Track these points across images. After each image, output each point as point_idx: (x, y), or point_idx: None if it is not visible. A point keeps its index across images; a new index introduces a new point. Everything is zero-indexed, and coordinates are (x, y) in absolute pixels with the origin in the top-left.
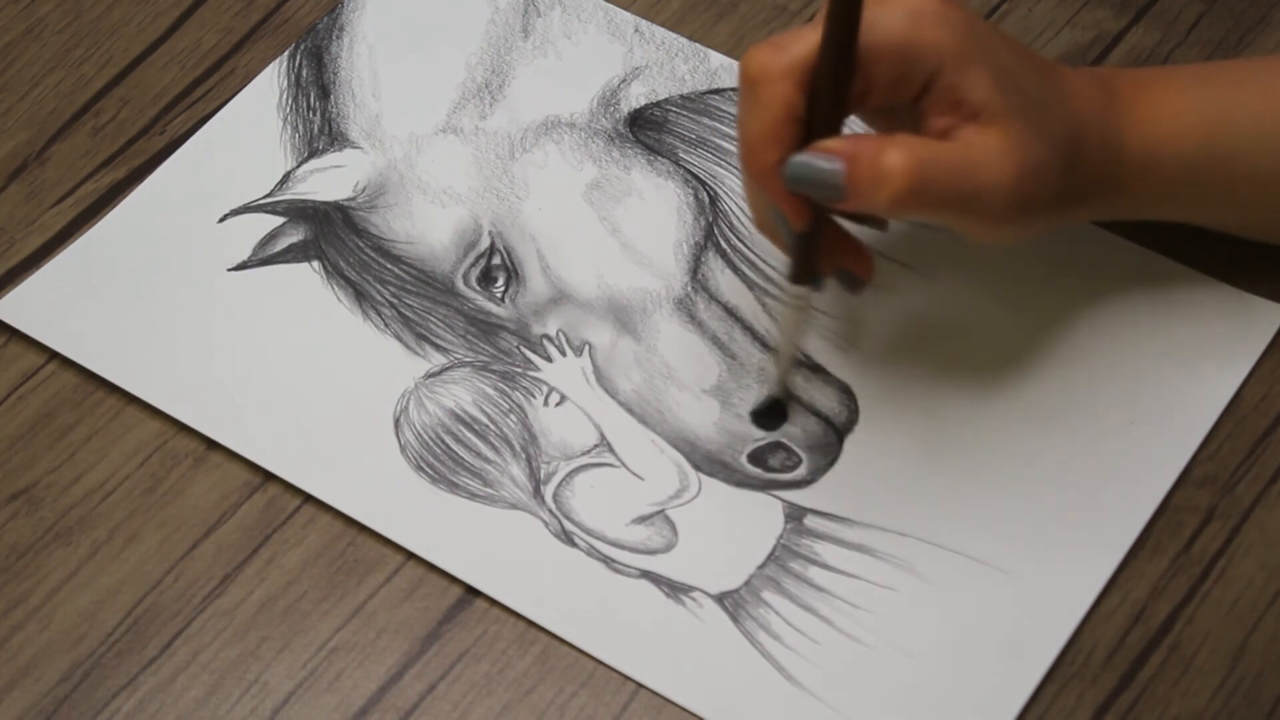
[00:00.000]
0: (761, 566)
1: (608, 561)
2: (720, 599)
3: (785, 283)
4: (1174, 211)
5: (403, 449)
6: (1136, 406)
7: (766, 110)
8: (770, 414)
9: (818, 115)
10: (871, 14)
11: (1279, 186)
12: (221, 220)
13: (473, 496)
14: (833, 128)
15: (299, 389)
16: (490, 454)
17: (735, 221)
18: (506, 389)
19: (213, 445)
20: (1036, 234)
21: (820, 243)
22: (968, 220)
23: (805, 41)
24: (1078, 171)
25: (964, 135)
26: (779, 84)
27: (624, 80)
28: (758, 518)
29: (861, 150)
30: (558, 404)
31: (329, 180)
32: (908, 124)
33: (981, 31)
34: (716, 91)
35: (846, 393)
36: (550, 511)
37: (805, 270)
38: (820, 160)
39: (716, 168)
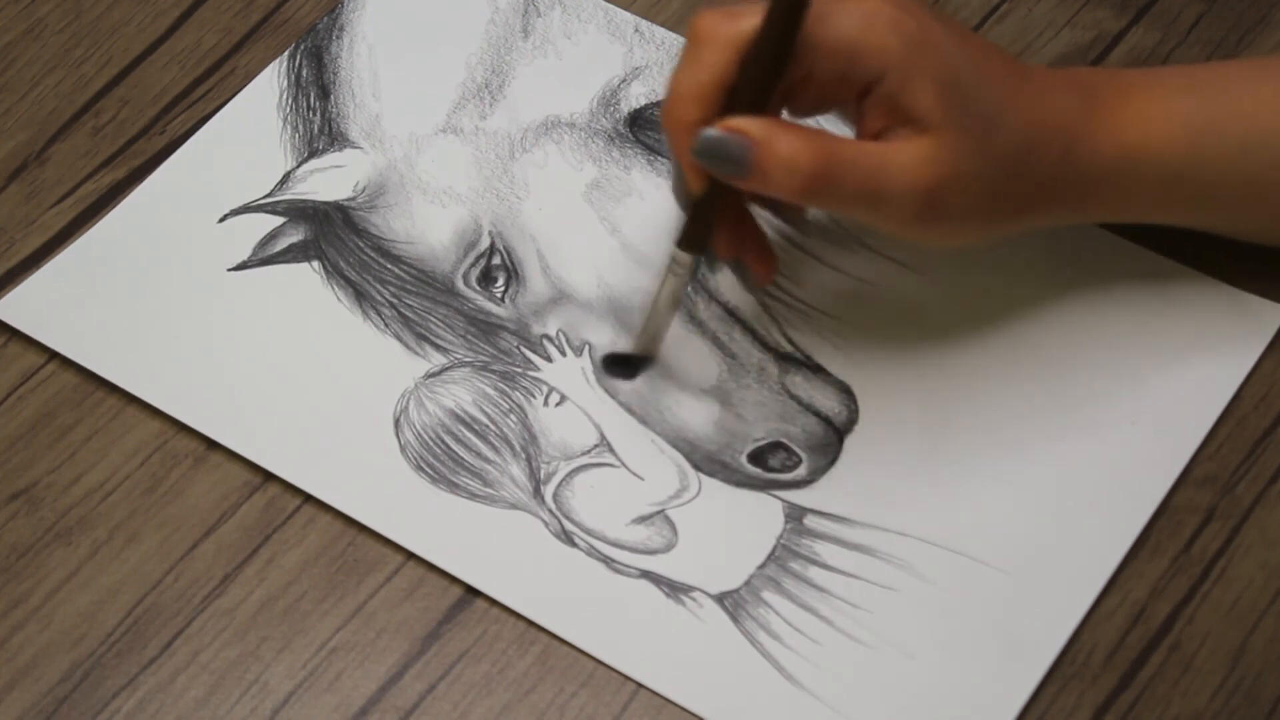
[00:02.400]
0: (761, 566)
1: (608, 561)
2: (720, 599)
3: (672, 247)
4: (1158, 215)
5: (403, 449)
6: (1136, 406)
7: (700, 71)
8: (623, 364)
9: (744, 92)
10: (825, 8)
11: (1267, 191)
12: (221, 220)
13: (473, 496)
14: (756, 107)
15: (299, 389)
16: (490, 454)
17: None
18: (506, 389)
19: (213, 445)
20: (981, 239)
21: (714, 217)
22: (875, 219)
23: (757, 15)
24: (1031, 179)
25: (893, 138)
26: (719, 50)
27: (624, 80)
28: (758, 518)
29: (773, 136)
30: (558, 404)
31: (329, 180)
32: (846, 119)
33: (935, 41)
34: None
35: (846, 393)
36: (550, 511)
37: (692, 239)
38: (731, 138)
39: None
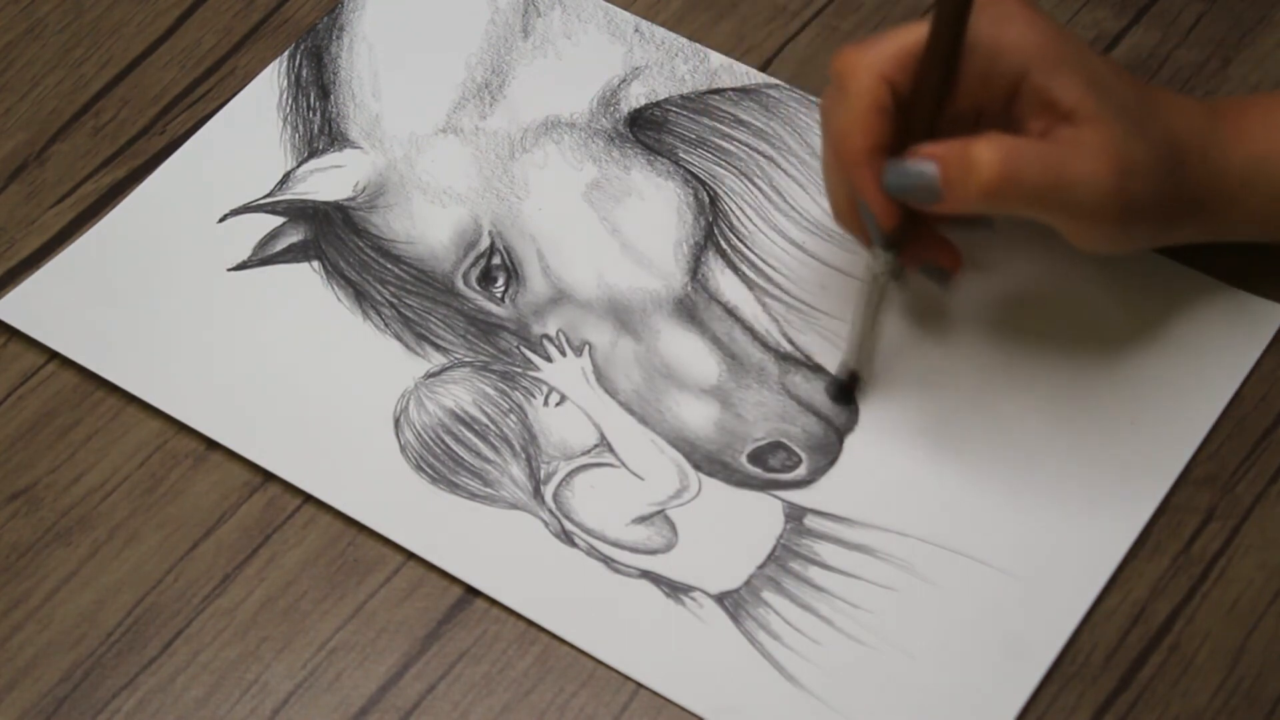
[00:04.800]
0: (761, 566)
1: (608, 561)
2: (720, 599)
3: (870, 255)
4: None
5: (403, 449)
6: (1136, 406)
7: (854, 101)
8: (845, 389)
9: (915, 116)
10: None
11: None
12: (221, 220)
13: (473, 496)
14: (927, 130)
15: (299, 389)
16: (490, 454)
17: (735, 221)
18: (506, 389)
19: (213, 445)
20: (1140, 244)
21: (910, 231)
22: (1064, 215)
23: (895, 39)
24: (1180, 183)
25: (1059, 134)
26: (865, 76)
27: (624, 80)
28: (758, 518)
29: (951, 148)
30: (558, 404)
31: (329, 180)
32: (999, 129)
33: (1070, 37)
34: (716, 91)
35: None
36: (550, 511)
37: (891, 239)
38: (914, 164)
39: (716, 168)
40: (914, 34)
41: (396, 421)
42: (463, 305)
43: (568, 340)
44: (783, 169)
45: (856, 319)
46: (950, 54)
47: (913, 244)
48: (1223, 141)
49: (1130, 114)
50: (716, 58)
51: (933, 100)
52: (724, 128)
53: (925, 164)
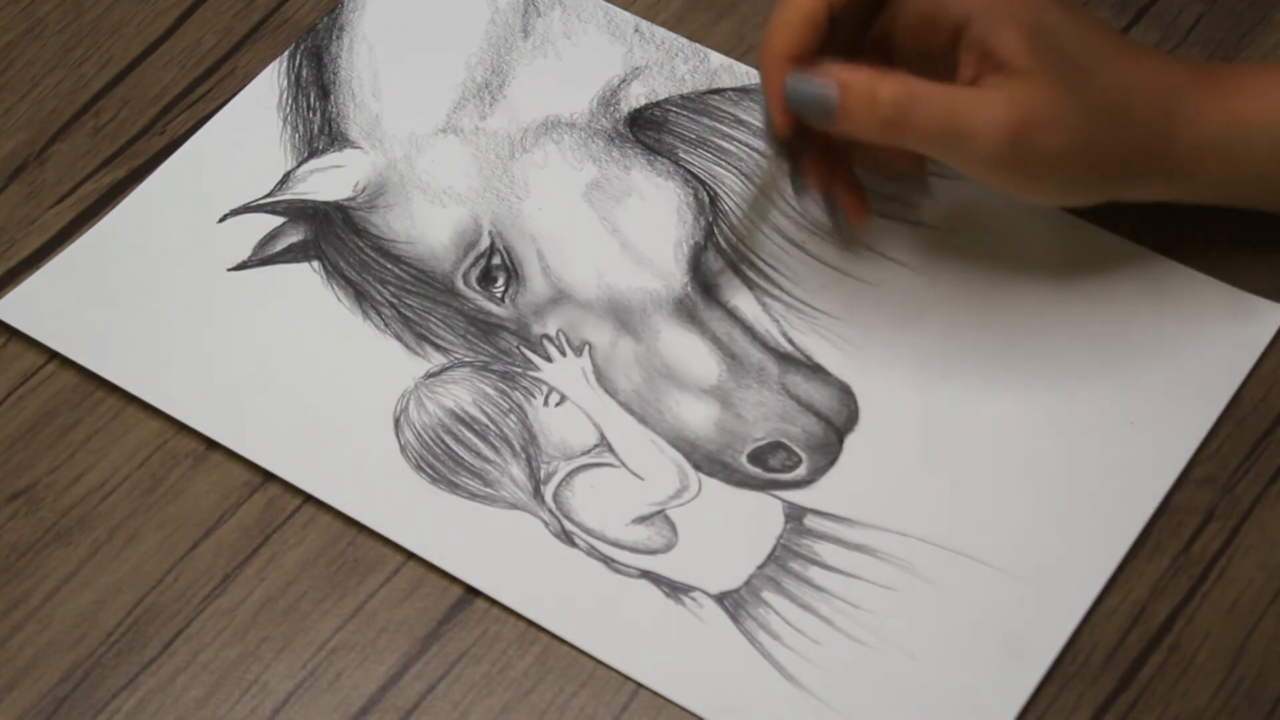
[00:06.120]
0: (761, 566)
1: (608, 561)
2: (720, 599)
3: (770, 153)
4: (1259, 195)
5: (403, 449)
6: (1136, 406)
7: (791, 10)
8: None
9: (835, 36)
10: None
11: None
12: (221, 220)
13: (473, 496)
14: (847, 52)
15: (299, 389)
16: (490, 454)
17: (735, 221)
18: (506, 389)
19: (213, 445)
20: (1081, 198)
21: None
22: (959, 161)
23: None
24: (1132, 137)
25: (984, 82)
26: None
27: (624, 80)
28: (758, 518)
29: (856, 77)
30: (558, 404)
31: (329, 180)
32: (942, 73)
33: None
34: (716, 91)
35: (846, 393)
36: (550, 511)
37: (785, 134)
38: (817, 83)
39: (716, 168)
40: None
41: (396, 421)
42: (463, 305)
43: (568, 340)
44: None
45: (743, 211)
46: None
47: (826, 171)
48: (1199, 103)
49: (1073, 68)
50: (716, 58)
51: (856, 21)
52: (724, 128)
53: (826, 84)
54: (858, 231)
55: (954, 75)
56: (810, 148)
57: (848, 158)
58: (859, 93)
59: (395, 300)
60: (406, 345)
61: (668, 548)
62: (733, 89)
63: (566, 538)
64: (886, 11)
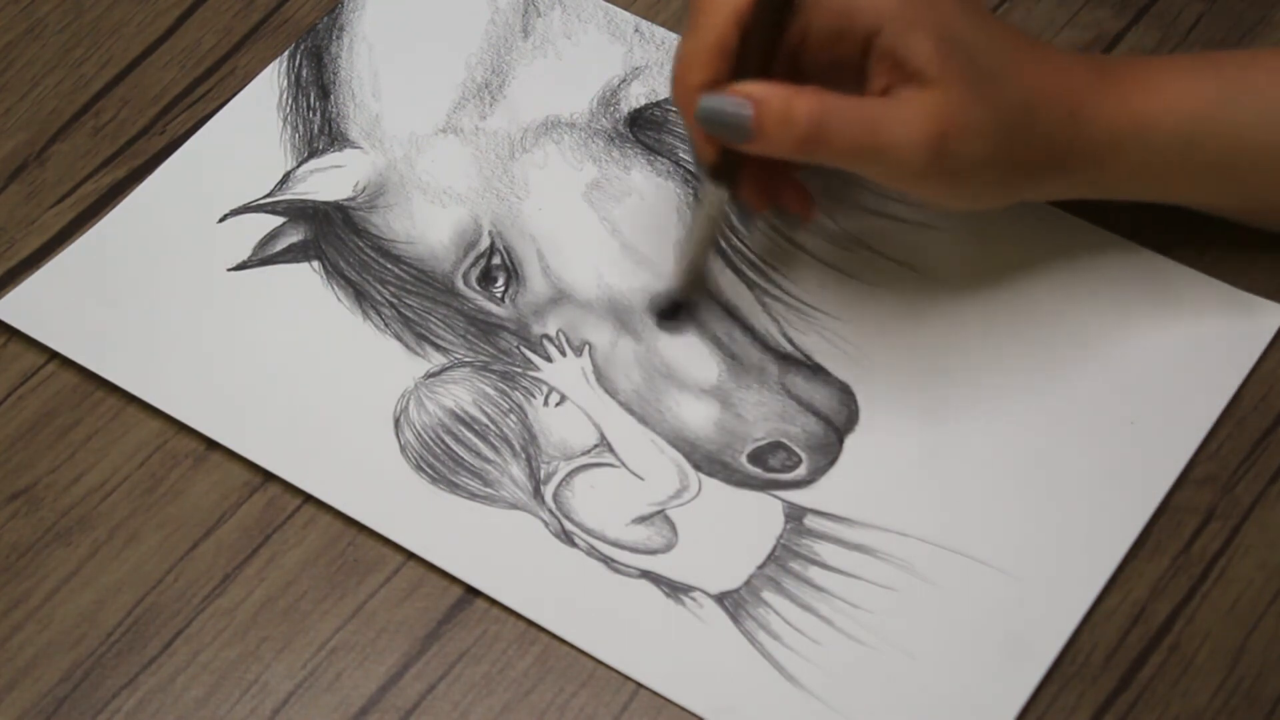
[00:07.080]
0: (761, 566)
1: (608, 561)
2: (720, 599)
3: (705, 184)
4: (1164, 190)
5: (403, 449)
6: (1136, 406)
7: (701, 36)
8: (669, 313)
9: (746, 57)
10: None
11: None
12: (221, 220)
13: (473, 496)
14: (761, 71)
15: (299, 389)
16: (490, 454)
17: (735, 221)
18: (506, 389)
19: (213, 445)
20: (991, 202)
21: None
22: (877, 174)
23: None
24: (1038, 140)
25: (897, 93)
26: (719, 14)
27: (624, 80)
28: (758, 518)
29: (770, 95)
30: (558, 404)
31: (329, 180)
32: (853, 83)
33: None
34: None
35: (846, 393)
36: (550, 511)
37: (721, 171)
38: (729, 103)
39: None
40: None
41: (396, 421)
42: (463, 305)
43: (568, 340)
44: None
45: (686, 248)
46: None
47: (761, 183)
48: (1099, 101)
49: (981, 77)
50: None
51: (765, 40)
52: None
53: (741, 103)
54: (810, 223)
55: (864, 87)
56: (745, 169)
57: (786, 168)
58: (774, 110)
59: (395, 300)
60: (406, 345)
61: (668, 548)
62: None
63: (566, 538)
64: (795, 26)
